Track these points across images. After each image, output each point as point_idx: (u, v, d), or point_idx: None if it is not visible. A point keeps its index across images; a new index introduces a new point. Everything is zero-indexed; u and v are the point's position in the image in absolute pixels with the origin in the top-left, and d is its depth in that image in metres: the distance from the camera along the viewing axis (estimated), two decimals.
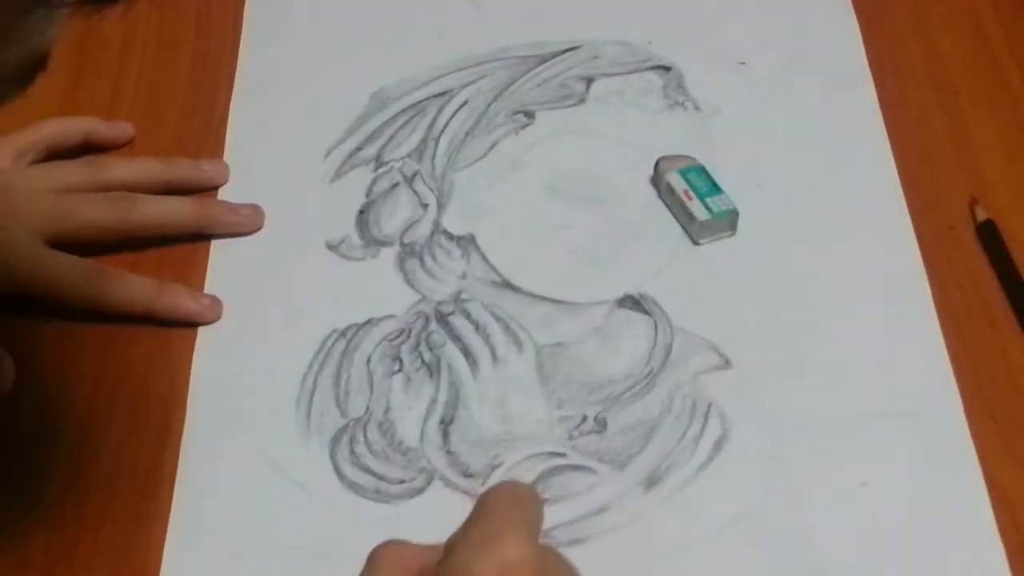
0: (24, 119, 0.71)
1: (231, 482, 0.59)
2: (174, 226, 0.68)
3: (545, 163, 0.72)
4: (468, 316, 0.65)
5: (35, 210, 0.65)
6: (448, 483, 0.59)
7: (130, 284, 0.65)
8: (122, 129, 0.73)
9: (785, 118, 0.73)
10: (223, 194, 0.70)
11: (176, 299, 0.65)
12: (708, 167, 0.69)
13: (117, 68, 0.77)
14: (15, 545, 0.57)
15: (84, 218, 0.66)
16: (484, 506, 0.45)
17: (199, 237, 0.68)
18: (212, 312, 0.65)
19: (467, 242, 0.68)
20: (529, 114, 0.74)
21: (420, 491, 0.59)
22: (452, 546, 0.44)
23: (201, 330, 0.64)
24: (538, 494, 0.48)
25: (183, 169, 0.70)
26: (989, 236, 0.67)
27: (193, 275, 0.67)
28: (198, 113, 0.74)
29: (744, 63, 0.76)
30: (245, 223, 0.69)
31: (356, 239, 0.68)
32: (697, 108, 0.74)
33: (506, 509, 0.45)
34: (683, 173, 0.68)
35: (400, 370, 0.63)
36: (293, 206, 0.70)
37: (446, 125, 0.73)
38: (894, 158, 0.71)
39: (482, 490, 0.50)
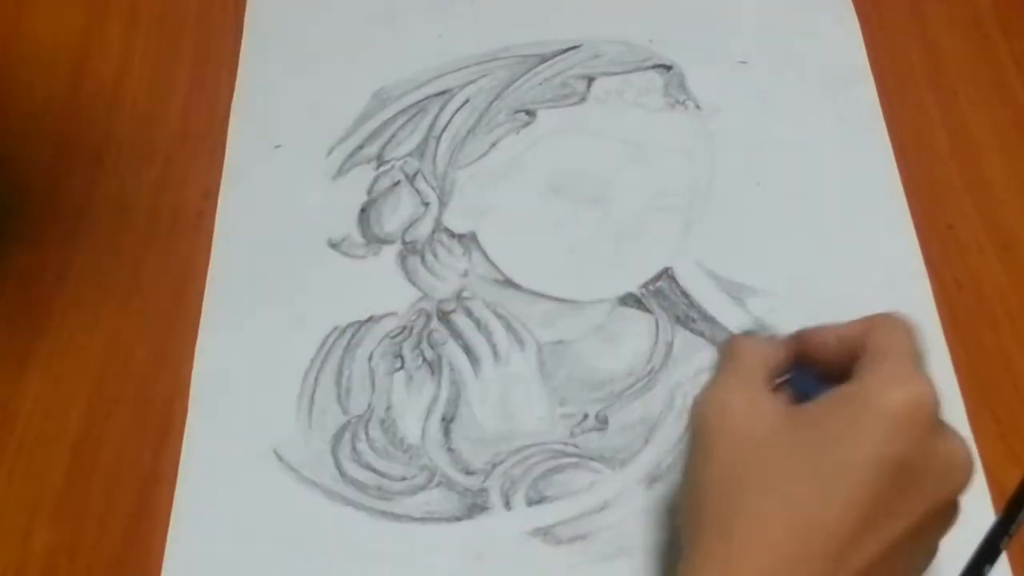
0: (26, 120, 0.71)
1: (232, 481, 0.59)
2: None
3: (546, 162, 0.72)
4: (470, 314, 0.65)
5: None
6: (449, 481, 0.59)
7: None
8: None
9: (785, 118, 0.73)
10: (224, 193, 0.70)
11: None
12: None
13: (119, 66, 0.77)
14: (16, 545, 0.57)
15: None
16: (885, 338, 0.48)
17: None
18: None
19: (468, 240, 0.68)
20: (530, 113, 0.74)
21: (422, 488, 0.59)
22: (860, 374, 0.47)
23: (203, 329, 0.64)
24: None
25: None
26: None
27: (195, 273, 0.67)
28: (200, 112, 0.74)
29: (745, 62, 0.76)
30: None
31: (358, 237, 0.68)
32: (698, 107, 0.74)
33: (907, 344, 0.48)
34: None
35: (402, 368, 0.63)
36: (295, 204, 0.70)
37: (447, 124, 0.73)
38: (894, 158, 0.71)
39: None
